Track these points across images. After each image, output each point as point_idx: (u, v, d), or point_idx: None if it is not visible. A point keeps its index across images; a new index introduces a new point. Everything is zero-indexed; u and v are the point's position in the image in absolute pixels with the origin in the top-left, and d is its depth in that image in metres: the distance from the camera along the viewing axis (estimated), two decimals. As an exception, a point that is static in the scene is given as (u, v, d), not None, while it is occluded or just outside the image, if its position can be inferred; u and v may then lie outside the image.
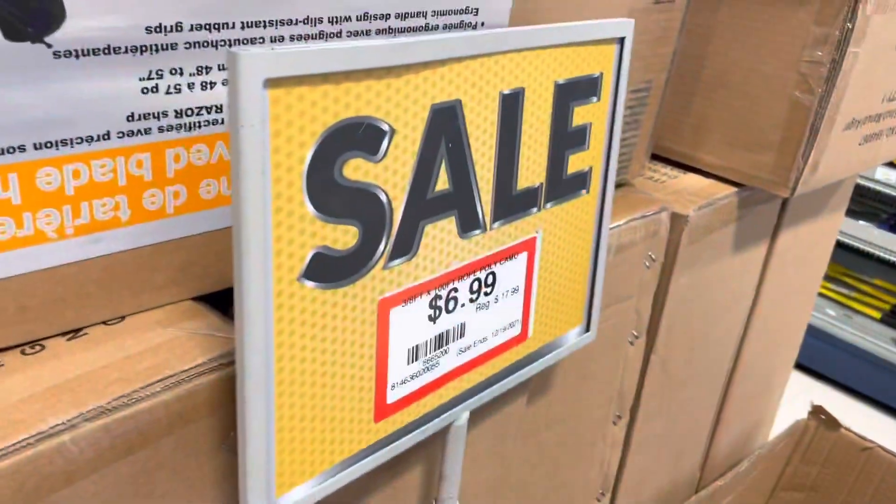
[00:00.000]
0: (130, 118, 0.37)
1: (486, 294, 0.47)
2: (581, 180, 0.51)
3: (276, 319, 0.35)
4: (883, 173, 1.72)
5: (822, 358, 1.76)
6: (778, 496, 1.06)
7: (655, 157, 0.79)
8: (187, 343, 0.40)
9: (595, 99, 0.50)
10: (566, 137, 0.48)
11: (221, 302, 0.45)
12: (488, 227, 0.45)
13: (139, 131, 0.37)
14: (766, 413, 1.09)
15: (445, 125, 0.40)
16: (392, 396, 0.44)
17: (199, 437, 0.39)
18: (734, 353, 0.91)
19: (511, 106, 0.43)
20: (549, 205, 0.49)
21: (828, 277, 1.92)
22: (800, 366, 1.73)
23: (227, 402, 0.40)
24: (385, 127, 0.37)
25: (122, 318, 0.42)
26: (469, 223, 0.44)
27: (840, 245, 1.86)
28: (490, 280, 0.47)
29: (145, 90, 0.37)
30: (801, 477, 1.04)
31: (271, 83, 0.31)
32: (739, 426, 1.02)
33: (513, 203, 0.46)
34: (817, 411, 1.00)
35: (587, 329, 0.57)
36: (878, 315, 1.79)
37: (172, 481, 0.39)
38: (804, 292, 1.00)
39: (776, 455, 1.03)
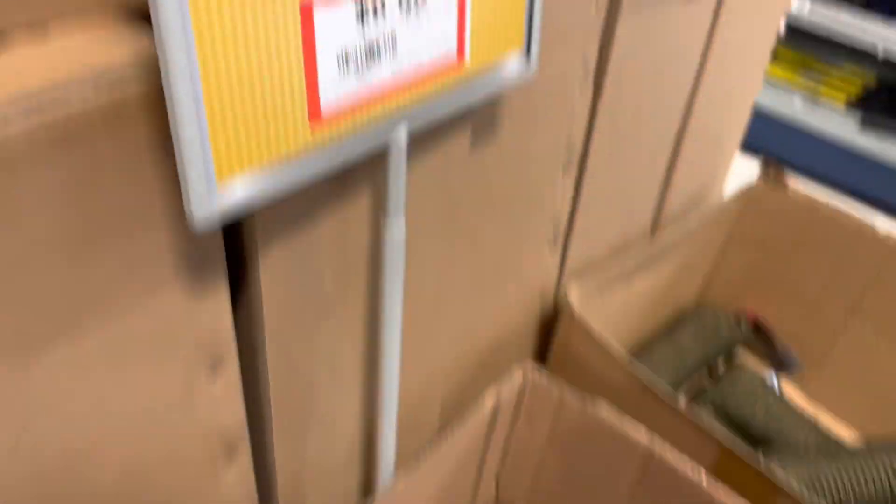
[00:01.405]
0: None
1: (416, 6, 0.48)
2: None
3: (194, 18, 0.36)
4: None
5: (787, 147, 1.79)
6: (728, 251, 1.13)
7: None
8: (122, 44, 0.41)
9: None
10: None
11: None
12: (412, -71, 0.45)
13: None
14: (717, 177, 1.13)
15: None
16: (326, 105, 0.45)
17: (139, 134, 0.41)
18: (684, 111, 0.93)
19: None
20: (476, -87, 0.48)
21: (796, 68, 1.91)
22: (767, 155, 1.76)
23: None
24: None
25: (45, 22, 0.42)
26: (390, -78, 0.43)
27: (807, 34, 1.84)
28: (419, -8, 0.47)
29: None
30: (750, 233, 1.10)
31: None
32: (690, 187, 1.06)
33: None
34: (767, 163, 1.03)
35: (528, 54, 0.58)
36: (843, 99, 1.81)
37: (116, 177, 0.41)
38: (756, 51, 1.00)
39: (725, 211, 1.08)
